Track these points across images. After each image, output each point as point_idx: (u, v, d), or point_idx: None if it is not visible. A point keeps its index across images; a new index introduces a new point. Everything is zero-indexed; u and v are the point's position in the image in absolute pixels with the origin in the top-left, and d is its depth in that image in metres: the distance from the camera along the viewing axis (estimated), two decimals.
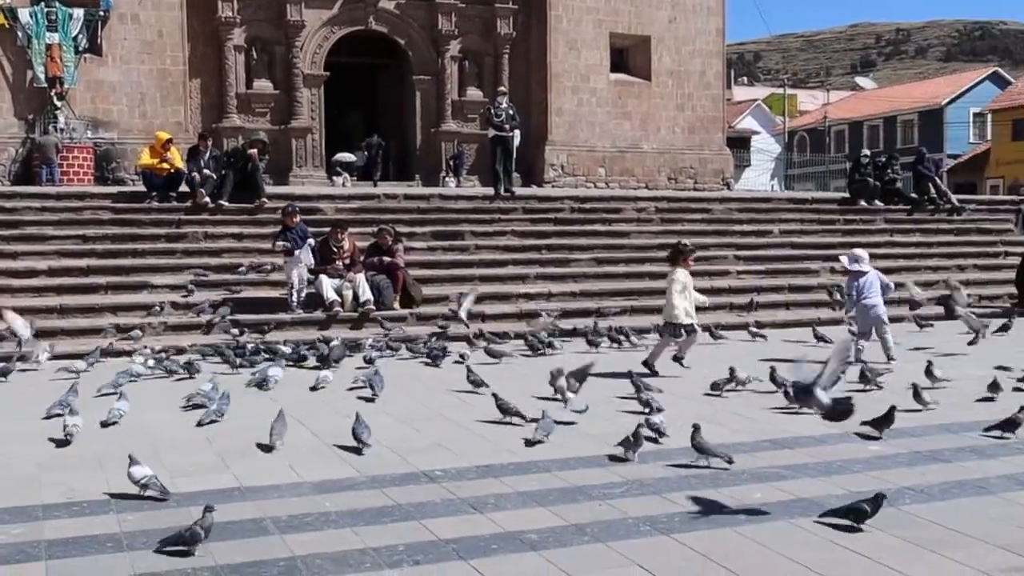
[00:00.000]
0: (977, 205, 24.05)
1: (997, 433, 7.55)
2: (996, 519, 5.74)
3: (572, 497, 6.25)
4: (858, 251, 13.03)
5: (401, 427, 8.35)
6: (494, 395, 8.69)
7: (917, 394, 9.10)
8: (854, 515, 5.57)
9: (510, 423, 8.26)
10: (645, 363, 11.23)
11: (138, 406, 9.06)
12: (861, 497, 5.70)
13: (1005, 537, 5.43)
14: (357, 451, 7.31)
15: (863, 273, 12.35)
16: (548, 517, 5.84)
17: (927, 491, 6.31)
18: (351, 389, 10.28)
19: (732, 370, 9.94)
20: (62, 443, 7.70)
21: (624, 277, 16.82)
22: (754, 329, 14.61)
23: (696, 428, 6.90)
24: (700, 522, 5.74)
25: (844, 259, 13.09)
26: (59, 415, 8.24)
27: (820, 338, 13.62)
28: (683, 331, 11.43)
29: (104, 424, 8.34)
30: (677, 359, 11.53)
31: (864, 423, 7.47)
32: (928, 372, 9.92)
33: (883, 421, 7.49)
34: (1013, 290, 18.09)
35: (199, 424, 8.39)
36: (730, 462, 6.83)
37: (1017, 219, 17.65)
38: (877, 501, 5.57)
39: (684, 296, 11.46)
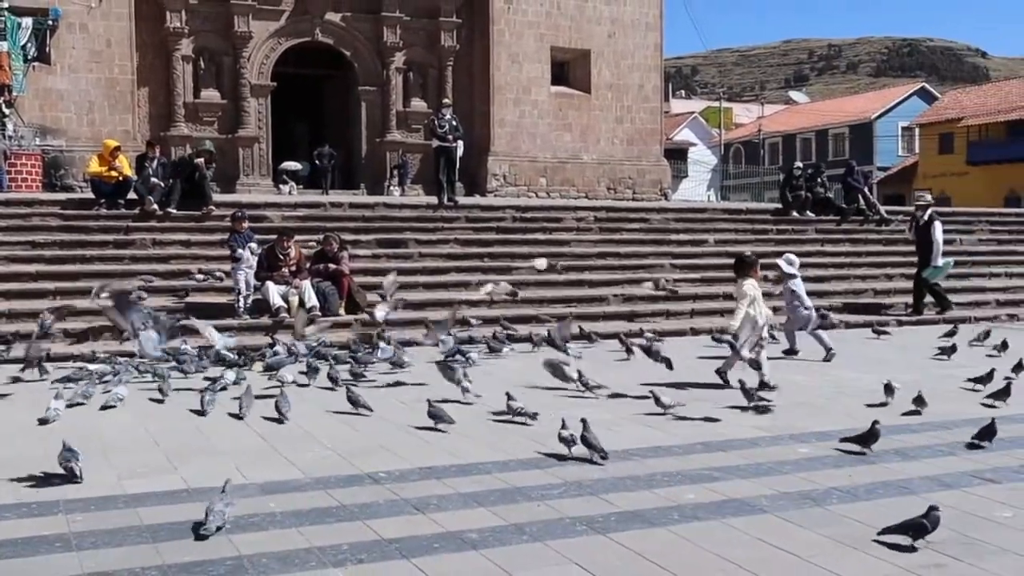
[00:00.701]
0: (904, 216, 24.41)
1: (854, 447, 7.35)
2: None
3: (511, 498, 6.27)
4: (791, 256, 13.38)
5: (342, 428, 8.34)
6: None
7: (889, 389, 9.32)
8: (914, 531, 5.38)
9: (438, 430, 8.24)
10: (718, 371, 10.75)
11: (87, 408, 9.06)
12: (910, 517, 5.41)
13: (926, 536, 5.55)
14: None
15: (794, 276, 12.68)
16: (488, 517, 5.87)
17: (853, 491, 6.41)
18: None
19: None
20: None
21: (564, 285, 16.89)
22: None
23: (584, 423, 7.16)
24: (635, 522, 5.79)
25: (781, 263, 13.23)
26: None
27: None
28: (756, 347, 10.61)
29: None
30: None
31: (846, 440, 7.41)
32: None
33: (868, 437, 7.28)
34: None
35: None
36: (604, 458, 7.00)
37: (910, 226, 17.94)
38: (931, 516, 5.35)
39: (755, 308, 10.78)
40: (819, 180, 23.47)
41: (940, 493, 6.35)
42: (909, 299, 18.06)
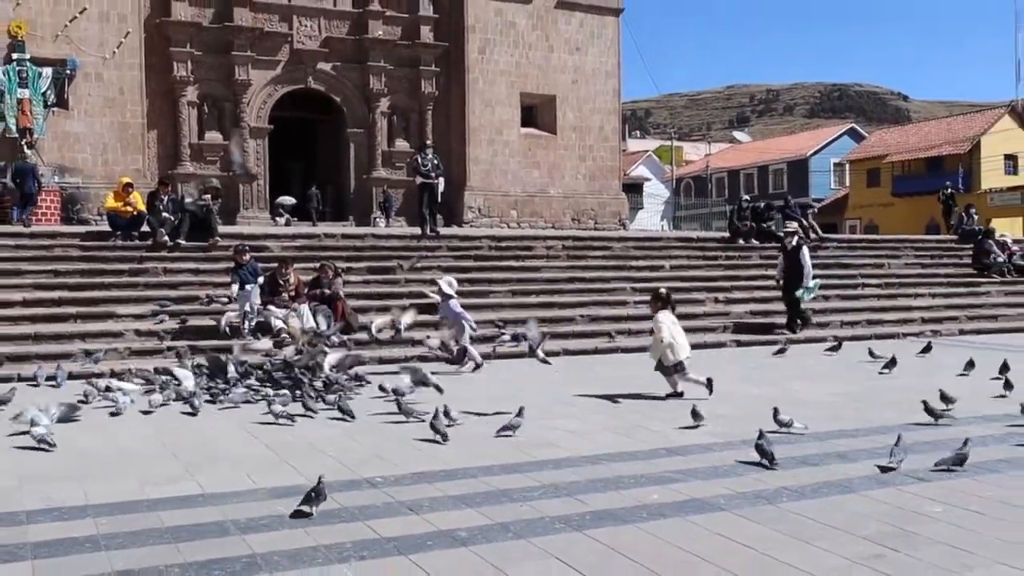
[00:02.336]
0: (838, 243, 24.66)
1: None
2: (858, 514, 5.92)
3: (496, 499, 6.29)
4: (451, 279, 13.66)
5: (343, 439, 8.31)
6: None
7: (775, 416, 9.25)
8: (958, 462, 6.94)
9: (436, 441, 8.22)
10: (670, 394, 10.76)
11: (106, 423, 9.00)
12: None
13: (866, 529, 5.61)
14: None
15: (452, 297, 12.95)
16: (476, 517, 5.89)
17: (800, 490, 6.47)
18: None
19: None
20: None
21: (536, 307, 16.90)
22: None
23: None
24: (607, 520, 5.82)
25: (443, 284, 13.33)
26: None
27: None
28: (679, 367, 10.74)
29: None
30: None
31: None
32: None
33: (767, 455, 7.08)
34: (871, 316, 18.55)
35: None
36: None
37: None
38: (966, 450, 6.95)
39: (680, 334, 10.88)
40: (767, 213, 23.66)
41: (878, 491, 6.43)
42: (844, 318, 18.25)
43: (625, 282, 18.82)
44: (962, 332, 18.12)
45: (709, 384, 10.57)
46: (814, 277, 17.03)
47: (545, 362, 12.48)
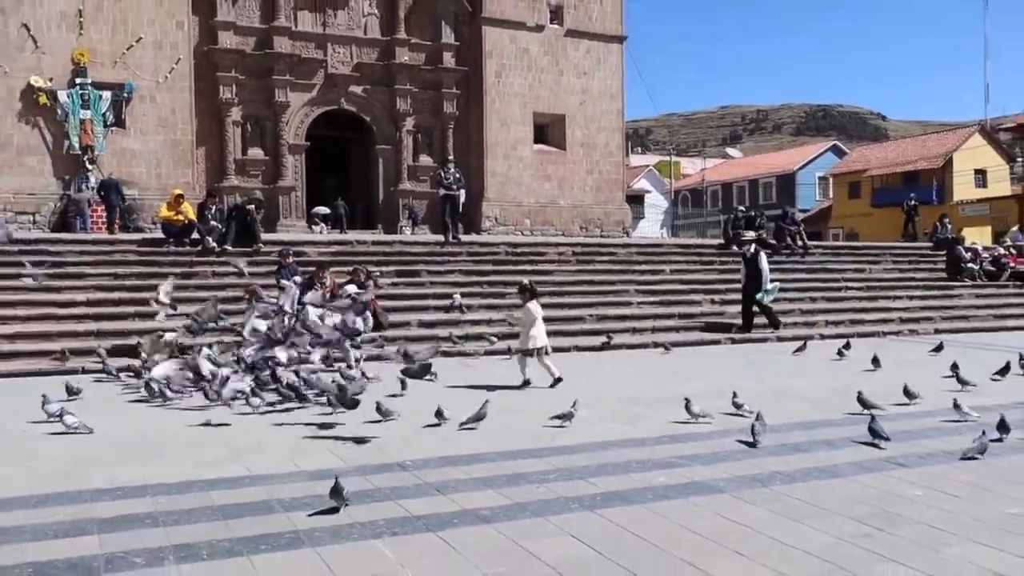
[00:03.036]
0: (824, 250, 24.62)
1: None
2: (845, 496, 5.91)
3: (515, 482, 6.30)
4: (353, 287, 13.02)
5: (375, 427, 8.31)
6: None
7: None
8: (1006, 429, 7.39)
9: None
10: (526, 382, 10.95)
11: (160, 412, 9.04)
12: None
13: (853, 510, 5.60)
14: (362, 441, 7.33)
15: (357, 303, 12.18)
16: (497, 497, 5.90)
17: (791, 475, 6.46)
18: None
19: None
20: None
21: (548, 307, 16.86)
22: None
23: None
24: (616, 500, 5.83)
25: (351, 289, 12.93)
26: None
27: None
28: (537, 353, 11.10)
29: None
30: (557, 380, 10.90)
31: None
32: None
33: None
34: (854, 316, 18.48)
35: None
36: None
37: (742, 259, 17.59)
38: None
39: (540, 326, 11.21)
40: (758, 222, 23.65)
41: (863, 476, 6.42)
42: (829, 317, 18.18)
43: (629, 285, 18.81)
44: (937, 331, 18.02)
45: (556, 382, 10.74)
46: (772, 281, 16.90)
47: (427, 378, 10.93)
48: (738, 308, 17.15)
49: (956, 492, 6.03)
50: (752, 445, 7.45)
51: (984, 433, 7.18)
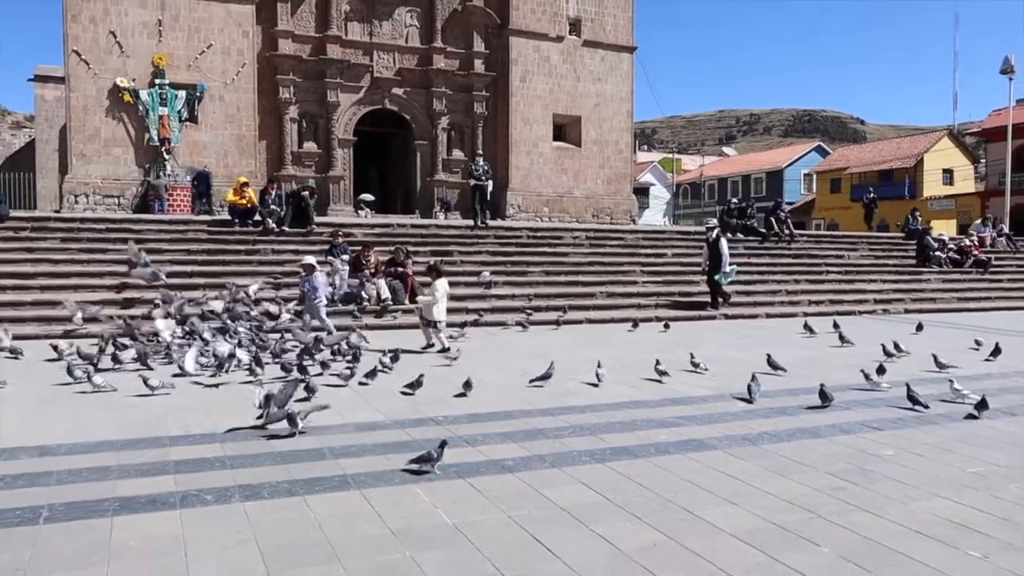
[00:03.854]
0: (808, 238, 24.42)
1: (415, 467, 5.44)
2: (825, 455, 5.90)
3: (534, 436, 6.34)
4: (311, 258, 12.35)
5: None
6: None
7: (771, 363, 9.34)
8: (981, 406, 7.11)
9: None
10: (442, 350, 10.84)
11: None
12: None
13: (832, 466, 5.60)
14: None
15: (312, 272, 11.91)
16: (519, 450, 5.94)
17: (777, 435, 6.46)
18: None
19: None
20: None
21: (564, 284, 16.91)
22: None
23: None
24: (623, 454, 5.85)
25: (309, 258, 12.36)
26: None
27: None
28: (436, 325, 11.19)
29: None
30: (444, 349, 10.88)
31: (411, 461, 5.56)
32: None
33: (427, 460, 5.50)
34: (833, 296, 18.34)
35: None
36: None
37: (705, 243, 17.25)
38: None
39: (443, 304, 11.29)
40: (748, 213, 23.48)
41: (841, 437, 6.41)
42: (811, 297, 18.06)
43: (635, 266, 18.76)
44: (907, 311, 17.89)
45: (445, 350, 10.72)
46: (731, 264, 16.68)
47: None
48: (731, 287, 17.01)
49: (922, 452, 6.02)
50: (749, 401, 7.67)
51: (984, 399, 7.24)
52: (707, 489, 5.07)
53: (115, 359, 9.34)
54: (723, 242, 16.57)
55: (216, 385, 8.35)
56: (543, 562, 3.96)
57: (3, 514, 4.50)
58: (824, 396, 7.43)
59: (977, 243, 24.26)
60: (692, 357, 9.61)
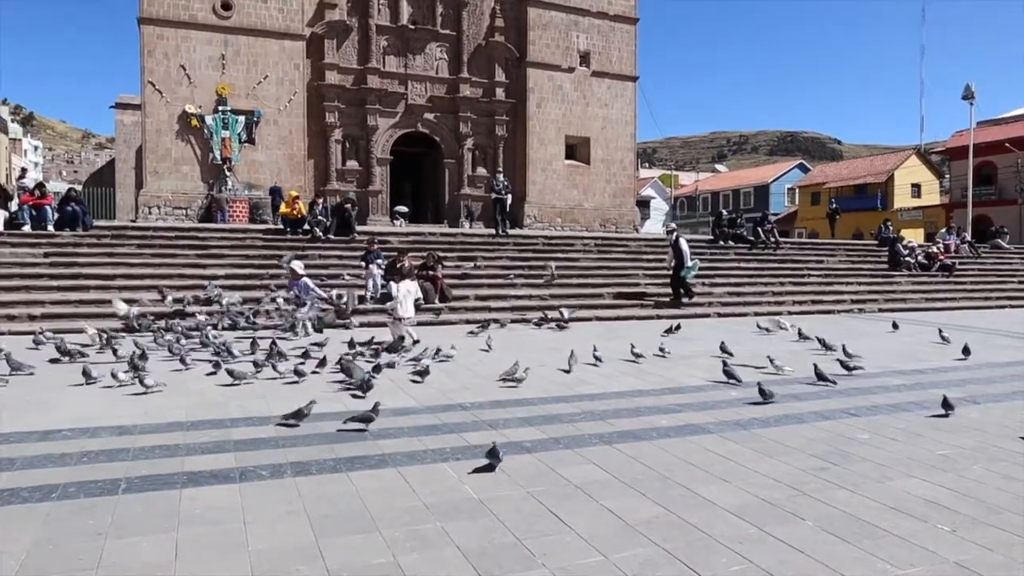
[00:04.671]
0: (791, 245, 24.21)
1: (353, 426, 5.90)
2: (809, 438, 5.82)
3: (550, 421, 6.30)
4: (299, 263, 12.70)
5: (440, 375, 8.31)
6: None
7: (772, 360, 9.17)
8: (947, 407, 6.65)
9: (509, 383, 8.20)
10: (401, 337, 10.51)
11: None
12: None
13: (814, 449, 5.53)
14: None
15: (300, 277, 12.16)
16: (536, 433, 5.90)
17: (766, 421, 6.38)
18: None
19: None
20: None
21: (576, 286, 16.85)
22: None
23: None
24: (628, 438, 5.81)
25: (296, 266, 12.49)
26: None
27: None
28: (402, 321, 11.10)
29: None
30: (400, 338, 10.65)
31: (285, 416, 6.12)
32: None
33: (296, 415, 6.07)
34: (815, 297, 18.13)
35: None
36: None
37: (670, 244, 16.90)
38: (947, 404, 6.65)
39: (408, 302, 11.34)
40: (738, 222, 23.31)
41: (822, 423, 6.33)
42: (795, 298, 17.88)
43: (638, 269, 18.65)
44: (880, 310, 17.67)
45: (404, 338, 10.32)
46: (692, 260, 16.40)
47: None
48: (724, 289, 16.88)
49: (895, 436, 5.93)
50: (738, 382, 7.79)
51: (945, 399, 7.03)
52: (703, 468, 5.02)
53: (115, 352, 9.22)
54: (682, 242, 16.35)
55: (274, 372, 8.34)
56: (559, 532, 3.93)
57: (88, 485, 4.53)
58: (763, 393, 7.09)
59: (943, 249, 23.94)
60: (632, 347, 9.74)
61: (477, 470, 4.92)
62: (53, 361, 8.86)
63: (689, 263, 16.24)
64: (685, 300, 16.19)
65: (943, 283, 21.22)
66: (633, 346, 9.78)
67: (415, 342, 10.54)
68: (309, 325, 11.42)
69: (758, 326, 13.31)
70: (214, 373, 8.06)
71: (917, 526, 4.08)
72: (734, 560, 3.63)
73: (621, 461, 5.18)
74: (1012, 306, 19.55)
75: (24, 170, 30.25)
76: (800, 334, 11.86)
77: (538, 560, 3.60)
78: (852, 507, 4.34)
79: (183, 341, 9.92)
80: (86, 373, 7.61)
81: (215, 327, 11.29)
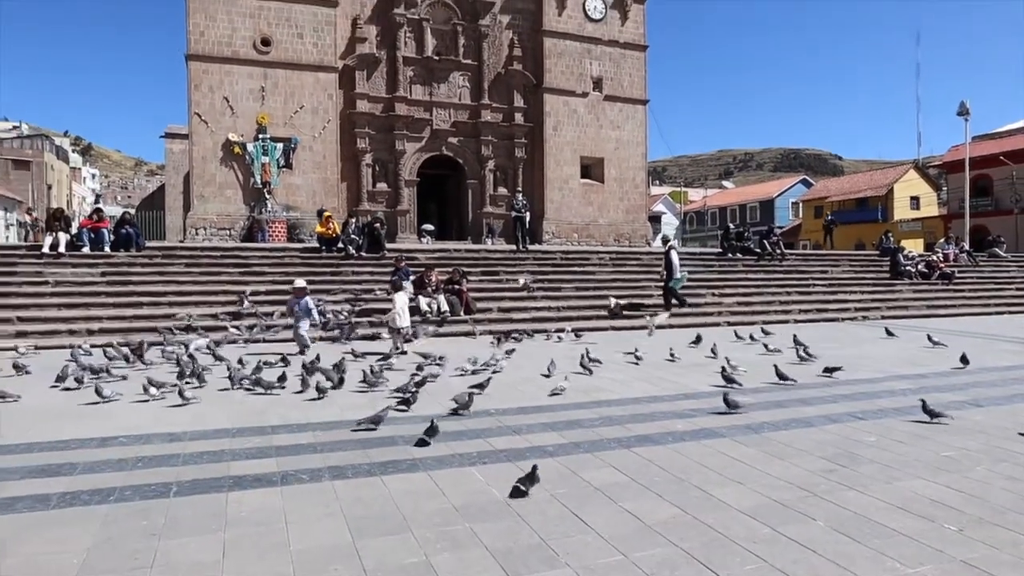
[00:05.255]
0: (796, 256, 23.97)
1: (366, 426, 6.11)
2: (818, 441, 5.73)
3: (570, 427, 6.25)
4: (302, 280, 11.94)
5: (463, 384, 8.31)
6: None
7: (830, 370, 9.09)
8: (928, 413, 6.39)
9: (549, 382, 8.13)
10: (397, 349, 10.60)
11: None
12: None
13: (823, 451, 5.44)
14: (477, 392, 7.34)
15: (303, 296, 11.30)
16: (558, 438, 5.86)
17: (776, 424, 6.29)
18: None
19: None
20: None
21: (592, 298, 16.78)
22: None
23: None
24: (645, 442, 5.75)
25: (299, 282, 11.72)
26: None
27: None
28: (400, 331, 11.07)
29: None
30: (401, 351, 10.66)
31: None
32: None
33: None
34: (820, 306, 17.93)
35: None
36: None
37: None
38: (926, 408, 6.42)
39: (404, 311, 11.17)
40: (745, 236, 23.14)
41: (830, 426, 6.23)
42: (801, 307, 17.68)
43: (650, 281, 18.49)
44: (883, 317, 17.42)
45: (401, 353, 10.39)
46: (681, 271, 16.29)
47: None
48: (733, 299, 16.74)
49: (900, 439, 5.82)
50: (736, 383, 7.87)
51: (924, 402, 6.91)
52: (717, 471, 4.96)
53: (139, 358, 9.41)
54: (673, 254, 16.29)
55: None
56: (580, 533, 3.90)
57: (142, 488, 4.57)
58: (728, 403, 6.84)
59: (942, 259, 23.59)
60: (729, 363, 9.20)
61: (512, 495, 4.46)
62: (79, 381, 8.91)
63: (678, 275, 16.13)
64: (676, 308, 16.02)
65: (943, 291, 20.87)
66: (636, 349, 10.28)
67: (402, 353, 10.45)
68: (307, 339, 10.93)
69: (736, 335, 13.11)
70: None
71: (925, 526, 4.00)
72: (749, 559, 3.57)
73: (639, 464, 5.13)
74: (1011, 312, 19.19)
75: (98, 196, 30.96)
76: (795, 341, 11.50)
77: (561, 559, 3.57)
78: (861, 507, 4.26)
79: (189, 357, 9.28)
80: (98, 391, 7.24)
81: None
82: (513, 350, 10.91)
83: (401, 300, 11.34)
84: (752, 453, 5.39)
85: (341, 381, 8.03)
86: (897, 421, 6.43)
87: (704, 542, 3.77)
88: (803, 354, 10.02)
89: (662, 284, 16.62)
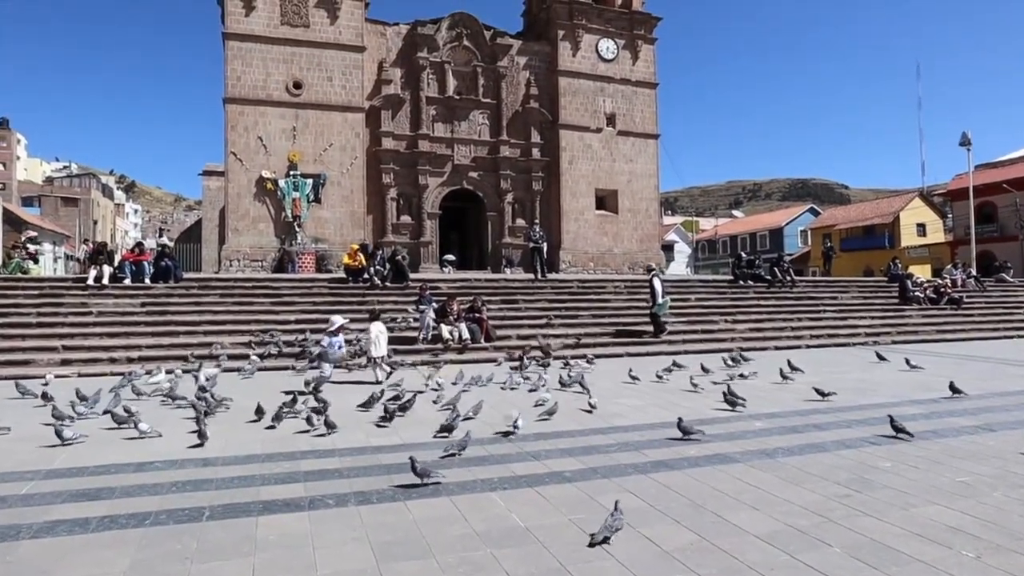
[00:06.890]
0: (806, 283, 23.71)
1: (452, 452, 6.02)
2: (831, 466, 5.61)
3: (588, 452, 6.18)
4: (338, 318, 11.36)
5: (489, 410, 8.20)
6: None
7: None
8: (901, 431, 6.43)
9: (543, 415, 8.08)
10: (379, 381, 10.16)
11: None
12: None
13: (837, 476, 5.32)
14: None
15: (339, 333, 10.94)
16: (576, 463, 5.79)
17: (790, 450, 6.17)
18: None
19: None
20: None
21: (608, 325, 16.69)
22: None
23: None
24: (661, 467, 5.67)
25: (337, 319, 11.13)
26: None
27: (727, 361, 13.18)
28: (376, 360, 10.75)
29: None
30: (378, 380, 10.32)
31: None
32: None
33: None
34: (831, 331, 17.64)
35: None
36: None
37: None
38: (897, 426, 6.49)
39: (380, 341, 10.80)
40: (756, 263, 22.96)
41: (845, 451, 6.10)
42: (812, 332, 17.43)
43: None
44: (893, 342, 17.12)
45: (378, 382, 10.02)
46: (663, 298, 15.98)
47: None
48: (746, 325, 16.55)
49: (915, 464, 5.68)
50: (739, 405, 7.89)
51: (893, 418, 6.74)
52: (733, 497, 4.86)
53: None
54: (656, 282, 16.03)
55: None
56: (599, 559, 3.82)
57: (176, 513, 4.57)
58: (684, 430, 6.62)
59: (950, 284, 23.21)
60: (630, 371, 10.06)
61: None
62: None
63: (660, 300, 15.95)
64: (659, 333, 15.77)
65: (952, 316, 20.50)
66: (631, 370, 10.57)
67: (380, 381, 10.10)
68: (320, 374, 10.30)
69: (724, 361, 12.84)
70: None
71: (942, 552, 3.87)
72: None
73: (655, 489, 5.04)
74: (1020, 336, 18.78)
75: (161, 231, 31.44)
76: (790, 365, 11.26)
77: None
78: (878, 533, 4.14)
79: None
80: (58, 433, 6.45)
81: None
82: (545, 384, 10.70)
83: (376, 328, 10.89)
84: (767, 478, 5.28)
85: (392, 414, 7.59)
86: (911, 446, 6.28)
87: (721, 568, 3.68)
88: (788, 375, 10.35)
89: (648, 311, 16.39)
